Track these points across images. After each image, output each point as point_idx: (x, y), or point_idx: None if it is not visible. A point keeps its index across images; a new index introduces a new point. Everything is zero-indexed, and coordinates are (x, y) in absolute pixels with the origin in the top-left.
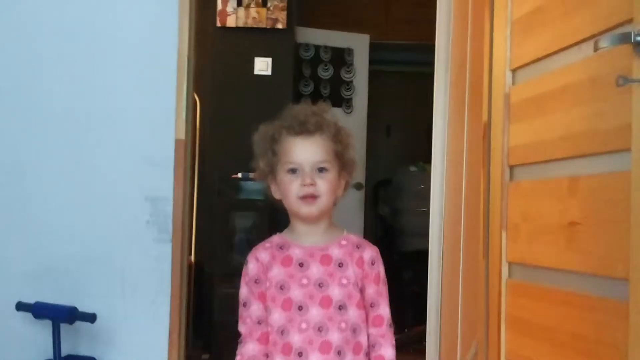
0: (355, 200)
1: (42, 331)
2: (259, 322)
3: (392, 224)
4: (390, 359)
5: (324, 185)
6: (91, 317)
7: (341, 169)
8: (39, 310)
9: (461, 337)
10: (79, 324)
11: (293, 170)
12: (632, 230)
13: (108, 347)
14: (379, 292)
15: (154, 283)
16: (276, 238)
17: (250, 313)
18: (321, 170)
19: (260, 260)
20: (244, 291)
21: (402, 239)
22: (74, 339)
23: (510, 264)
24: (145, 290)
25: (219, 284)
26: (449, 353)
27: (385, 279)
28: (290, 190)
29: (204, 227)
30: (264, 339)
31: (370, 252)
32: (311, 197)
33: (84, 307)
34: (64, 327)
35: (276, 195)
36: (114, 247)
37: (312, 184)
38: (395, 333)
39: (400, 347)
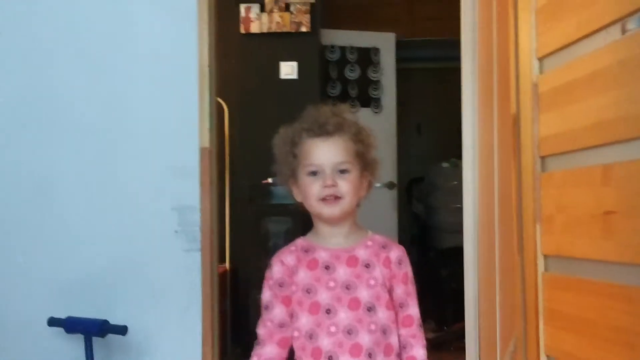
0: (388, 199)
1: (74, 345)
2: (281, 326)
3: (427, 222)
4: None
5: (345, 186)
6: (122, 330)
7: (363, 169)
8: (71, 325)
9: (500, 333)
10: (111, 336)
11: (314, 173)
12: None
13: (141, 359)
14: (407, 292)
15: (185, 293)
16: (300, 241)
17: (272, 316)
18: (342, 171)
19: (285, 264)
20: (266, 294)
21: (437, 236)
22: (106, 351)
23: (545, 256)
24: (176, 300)
25: (255, 290)
26: (489, 350)
27: (413, 279)
28: (311, 192)
29: (237, 234)
30: (284, 344)
31: (397, 252)
32: (333, 198)
33: (115, 319)
34: (96, 341)
35: (298, 198)
36: (143, 258)
37: (333, 185)
38: (435, 331)
39: (440, 345)
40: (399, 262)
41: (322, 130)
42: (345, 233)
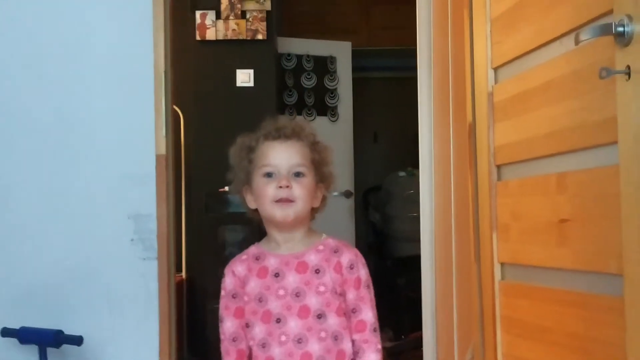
0: (345, 208)
1: (28, 356)
2: (234, 340)
3: (384, 230)
4: None
5: (299, 190)
6: (78, 340)
7: (318, 180)
8: (24, 336)
9: (457, 342)
10: (65, 347)
11: (269, 174)
12: (623, 224)
13: None
14: (359, 297)
15: (141, 302)
16: (253, 249)
17: (224, 330)
18: (297, 174)
19: (236, 274)
20: (221, 306)
21: (394, 244)
22: None
23: (502, 264)
24: (133, 310)
25: (211, 300)
26: (446, 358)
27: (369, 282)
28: (265, 194)
29: (194, 242)
30: (241, 357)
31: (349, 255)
32: (286, 201)
33: (70, 329)
34: (50, 351)
35: (251, 204)
36: (99, 267)
37: (287, 186)
38: (393, 340)
39: (398, 354)
40: (350, 267)
41: (279, 133)
42: (298, 239)
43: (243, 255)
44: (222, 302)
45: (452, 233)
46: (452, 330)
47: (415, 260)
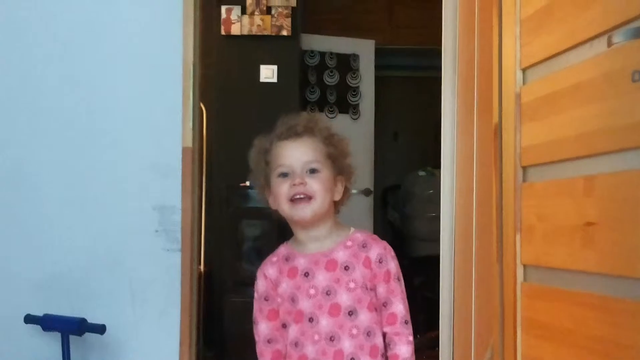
0: (363, 206)
1: (51, 343)
2: (268, 342)
3: (402, 230)
4: (405, 357)
5: (315, 185)
6: (100, 329)
7: (337, 173)
8: (48, 323)
9: (474, 343)
10: (88, 335)
11: (284, 174)
12: None
13: (118, 358)
14: (389, 290)
15: (164, 293)
16: (282, 249)
17: (259, 333)
18: (312, 171)
19: (268, 277)
20: (255, 309)
21: (412, 244)
22: (83, 350)
23: (525, 266)
24: (155, 300)
25: (229, 293)
26: (463, 358)
27: (399, 275)
28: (281, 193)
29: (213, 236)
30: (277, 357)
31: (377, 249)
32: (303, 200)
33: (93, 318)
34: (73, 339)
35: (273, 206)
36: (123, 257)
37: (302, 183)
38: None
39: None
40: (380, 261)
41: (291, 132)
42: (324, 235)
43: (273, 257)
44: (256, 305)
45: (473, 233)
46: (470, 331)
47: (433, 260)
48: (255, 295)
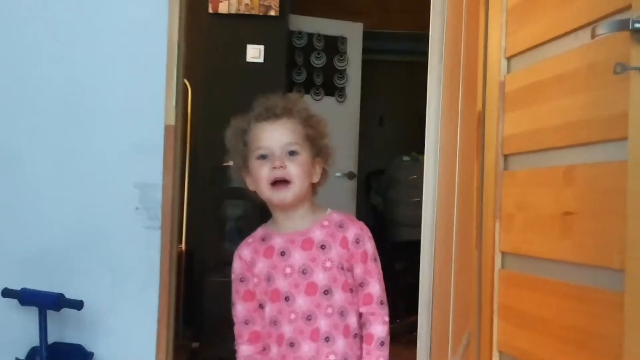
0: (347, 190)
1: (28, 318)
2: (246, 322)
3: (384, 214)
4: (380, 337)
5: (295, 169)
6: (78, 304)
7: (315, 155)
8: (25, 297)
9: (452, 328)
10: (65, 311)
11: (263, 156)
12: (629, 220)
13: (95, 335)
14: (366, 271)
15: (143, 271)
16: (259, 231)
17: (236, 313)
18: (292, 153)
19: (243, 258)
20: (232, 290)
21: (394, 229)
22: (60, 326)
23: (503, 254)
24: (134, 277)
25: (209, 273)
26: (441, 344)
27: (376, 255)
28: (260, 177)
29: (195, 215)
30: (255, 338)
31: (354, 229)
32: (282, 183)
33: (72, 294)
34: (50, 314)
35: (251, 187)
36: (103, 233)
37: (282, 167)
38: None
39: (392, 338)
40: (357, 241)
41: (269, 114)
42: (301, 215)
43: (249, 239)
44: (233, 287)
45: (454, 220)
46: (448, 316)
47: (415, 245)
48: (232, 276)
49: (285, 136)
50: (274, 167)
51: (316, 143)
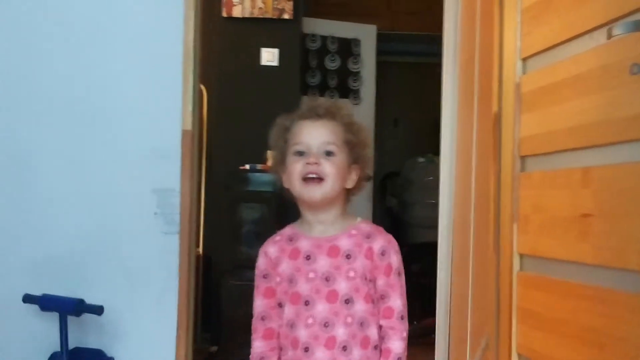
0: (363, 192)
1: (49, 323)
2: (262, 319)
3: (400, 216)
4: (398, 353)
5: (329, 167)
6: (98, 310)
7: (353, 162)
8: (46, 303)
9: (471, 330)
10: (86, 316)
11: (300, 152)
12: None
13: (115, 340)
14: (389, 284)
15: (162, 276)
16: (288, 230)
17: (255, 308)
18: (328, 153)
19: (268, 255)
20: (255, 285)
21: (410, 231)
22: (81, 331)
23: (521, 256)
24: (153, 282)
25: (227, 277)
26: (459, 346)
27: (401, 270)
28: (294, 171)
29: (212, 219)
30: (269, 335)
31: (381, 242)
32: (315, 180)
33: (91, 299)
34: (71, 320)
35: (286, 183)
36: (121, 239)
37: (316, 163)
38: None
39: (409, 340)
40: (382, 253)
41: (312, 113)
42: (331, 221)
43: (277, 237)
44: (255, 282)
45: (470, 221)
46: (466, 318)
47: (430, 247)
48: (256, 272)
49: (324, 135)
50: (308, 163)
51: (355, 150)
